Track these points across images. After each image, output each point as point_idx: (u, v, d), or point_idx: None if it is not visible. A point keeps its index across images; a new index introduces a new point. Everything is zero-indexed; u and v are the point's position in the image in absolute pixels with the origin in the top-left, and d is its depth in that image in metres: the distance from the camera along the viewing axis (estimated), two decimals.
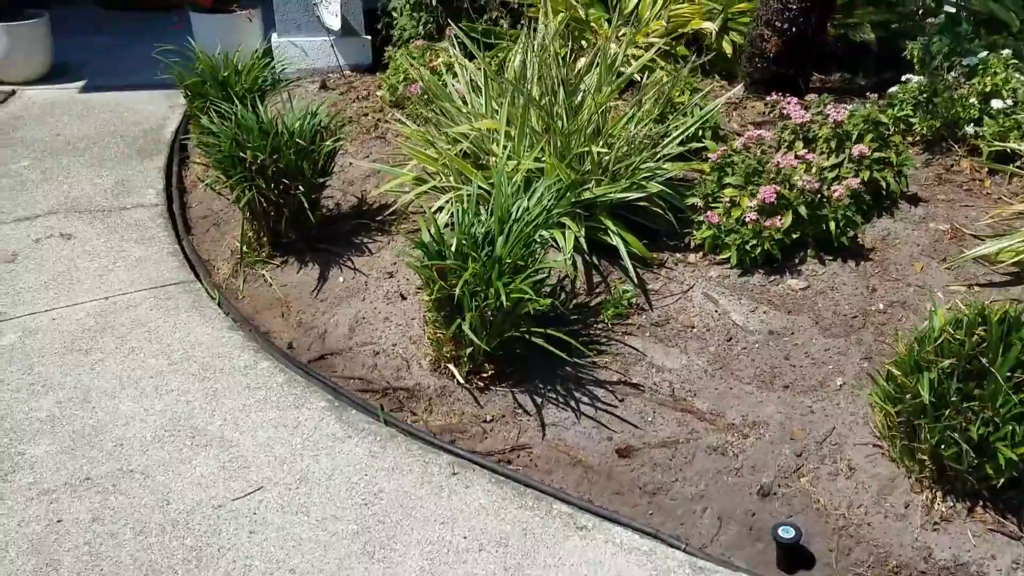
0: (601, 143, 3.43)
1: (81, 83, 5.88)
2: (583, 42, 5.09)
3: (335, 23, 5.67)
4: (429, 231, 2.90)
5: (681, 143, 3.62)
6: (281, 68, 4.76)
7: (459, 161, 3.46)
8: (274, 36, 5.83)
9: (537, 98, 3.54)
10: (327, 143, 3.60)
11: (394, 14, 5.69)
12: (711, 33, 5.16)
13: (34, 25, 5.76)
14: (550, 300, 2.72)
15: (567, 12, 4.96)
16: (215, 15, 5.82)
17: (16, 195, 4.29)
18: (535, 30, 4.03)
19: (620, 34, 5.24)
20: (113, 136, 5.04)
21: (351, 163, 4.41)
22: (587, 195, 3.28)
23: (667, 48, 4.98)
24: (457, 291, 2.66)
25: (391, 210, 3.89)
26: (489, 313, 2.74)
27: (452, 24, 5.31)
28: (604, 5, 5.37)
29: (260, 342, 3.24)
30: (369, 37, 5.89)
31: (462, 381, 2.90)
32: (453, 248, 2.86)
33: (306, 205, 3.50)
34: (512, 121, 3.52)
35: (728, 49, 5.19)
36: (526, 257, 2.82)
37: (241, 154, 3.42)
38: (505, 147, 3.47)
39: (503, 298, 2.62)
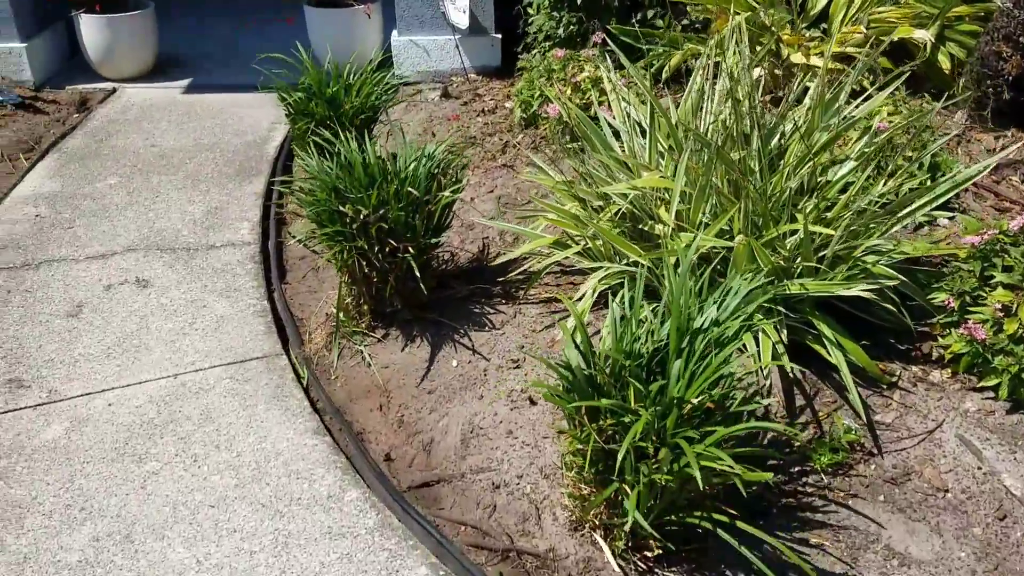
0: (811, 210, 2.53)
1: (184, 82, 5.37)
2: (757, 47, 4.14)
3: (463, 20, 4.92)
4: (575, 342, 2.11)
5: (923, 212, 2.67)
6: (400, 79, 4.04)
7: (615, 237, 2.62)
8: (394, 34, 5.12)
9: (721, 143, 2.67)
10: (445, 193, 2.85)
11: (530, 11, 4.88)
12: (925, 44, 4.10)
13: (138, 17, 5.25)
14: (771, 475, 1.88)
15: (751, 13, 4.02)
16: (331, 9, 5.16)
17: (96, 223, 3.76)
18: (706, 37, 3.15)
19: (809, 41, 4.27)
20: (211, 150, 4.47)
21: (472, 199, 3.66)
22: (795, 289, 2.39)
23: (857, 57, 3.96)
24: (620, 455, 1.84)
25: (520, 269, 3.11)
26: (660, 479, 1.92)
27: (599, 26, 4.47)
28: (787, 5, 4.38)
29: (351, 449, 2.54)
30: (499, 35, 5.11)
31: (615, 566, 2.09)
32: (604, 362, 2.06)
33: (416, 272, 2.76)
34: (687, 175, 2.66)
35: (945, 64, 4.13)
36: (718, 397, 1.98)
37: (340, 207, 2.71)
38: (678, 213, 2.62)
39: (694, 469, 1.78)
